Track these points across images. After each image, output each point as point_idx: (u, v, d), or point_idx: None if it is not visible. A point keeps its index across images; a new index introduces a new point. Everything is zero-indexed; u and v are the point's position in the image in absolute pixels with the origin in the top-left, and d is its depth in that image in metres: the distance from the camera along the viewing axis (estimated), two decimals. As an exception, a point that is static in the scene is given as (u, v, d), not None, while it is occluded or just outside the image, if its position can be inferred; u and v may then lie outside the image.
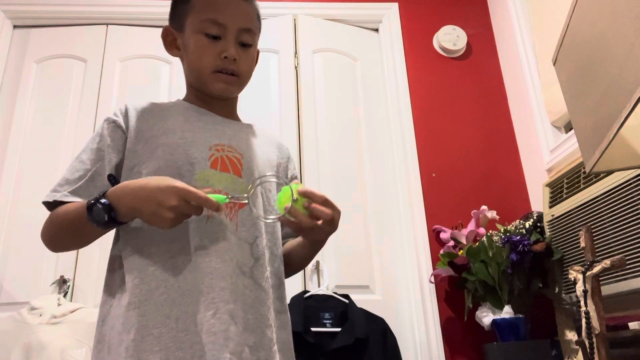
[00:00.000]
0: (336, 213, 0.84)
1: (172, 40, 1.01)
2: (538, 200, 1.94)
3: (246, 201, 0.85)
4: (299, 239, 0.99)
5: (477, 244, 1.71)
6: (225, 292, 0.81)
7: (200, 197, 0.77)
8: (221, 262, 0.83)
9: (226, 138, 0.95)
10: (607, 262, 1.05)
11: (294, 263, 1.01)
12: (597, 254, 1.35)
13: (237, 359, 0.79)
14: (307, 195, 0.81)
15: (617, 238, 1.34)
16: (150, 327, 0.78)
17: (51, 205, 0.88)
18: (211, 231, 0.85)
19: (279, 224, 0.97)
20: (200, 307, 0.80)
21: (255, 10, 1.00)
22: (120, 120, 0.93)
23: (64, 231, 0.87)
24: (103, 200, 0.79)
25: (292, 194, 0.80)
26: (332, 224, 0.84)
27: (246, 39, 0.96)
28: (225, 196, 0.81)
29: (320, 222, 0.82)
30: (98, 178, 0.89)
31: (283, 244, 1.01)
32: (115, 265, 0.90)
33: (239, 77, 0.96)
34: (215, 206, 0.78)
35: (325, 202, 0.82)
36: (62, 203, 0.87)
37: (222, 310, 0.80)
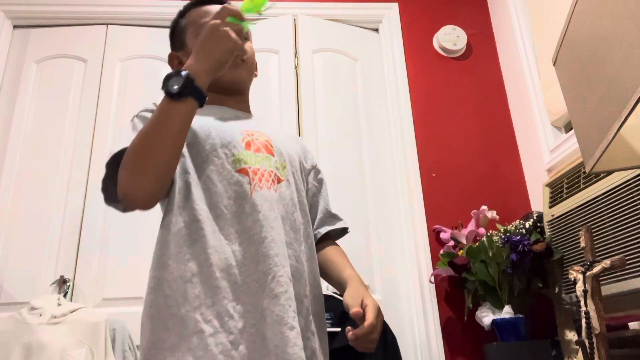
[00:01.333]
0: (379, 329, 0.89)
1: (178, 64, 1.09)
2: (538, 200, 1.94)
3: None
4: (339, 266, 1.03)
5: (477, 244, 1.71)
6: (279, 258, 0.86)
7: (224, 9, 0.88)
8: (271, 231, 0.87)
9: (252, 125, 1.01)
10: (607, 262, 1.05)
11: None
12: (597, 254, 1.35)
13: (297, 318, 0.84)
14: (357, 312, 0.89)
15: (617, 238, 1.34)
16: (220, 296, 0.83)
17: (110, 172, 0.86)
18: (258, 204, 0.89)
19: (308, 208, 1.02)
20: (262, 275, 0.85)
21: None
22: None
23: (150, 146, 0.81)
24: (178, 71, 0.82)
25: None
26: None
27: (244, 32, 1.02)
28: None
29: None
30: None
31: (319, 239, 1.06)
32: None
33: (245, 61, 1.03)
34: (237, 12, 0.87)
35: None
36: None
37: (280, 273, 0.85)
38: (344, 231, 1.13)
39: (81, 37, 2.20)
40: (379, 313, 0.88)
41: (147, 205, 0.84)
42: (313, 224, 1.07)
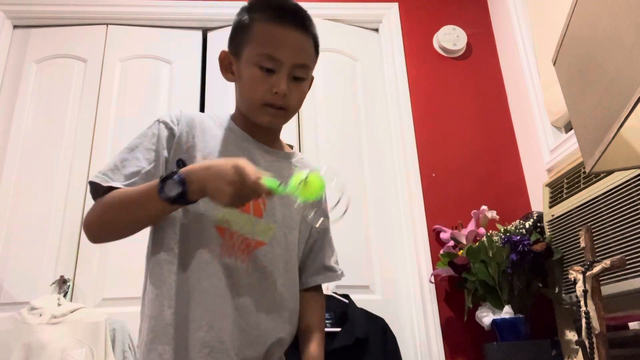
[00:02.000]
0: None
1: (228, 64, 1.00)
2: (538, 200, 1.94)
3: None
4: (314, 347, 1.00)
5: (477, 244, 1.71)
6: (223, 332, 0.85)
7: (251, 179, 0.78)
8: (220, 302, 0.86)
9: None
10: (607, 262, 1.05)
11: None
12: (597, 254, 1.35)
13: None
14: None
15: (617, 238, 1.34)
16: (156, 343, 0.85)
17: (96, 191, 0.88)
18: (217, 270, 0.88)
19: (295, 261, 0.99)
20: (197, 342, 0.84)
21: (313, 41, 1.01)
22: (176, 129, 0.95)
23: (124, 212, 0.85)
24: (178, 174, 0.80)
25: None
26: None
27: (299, 73, 0.96)
28: (278, 182, 0.81)
29: None
30: (152, 179, 0.88)
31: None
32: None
33: (287, 110, 0.96)
34: (263, 191, 0.79)
35: None
36: (111, 189, 0.87)
37: (216, 349, 0.84)
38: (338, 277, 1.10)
39: (81, 37, 2.20)
40: None
41: (95, 242, 0.91)
42: (304, 269, 1.05)
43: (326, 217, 1.06)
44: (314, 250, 1.06)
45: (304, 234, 1.03)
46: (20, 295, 1.77)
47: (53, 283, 1.80)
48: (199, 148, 0.94)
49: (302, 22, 0.96)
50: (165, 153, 0.92)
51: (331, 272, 1.07)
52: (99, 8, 2.23)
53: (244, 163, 0.79)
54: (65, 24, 2.23)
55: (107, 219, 0.87)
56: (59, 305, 1.63)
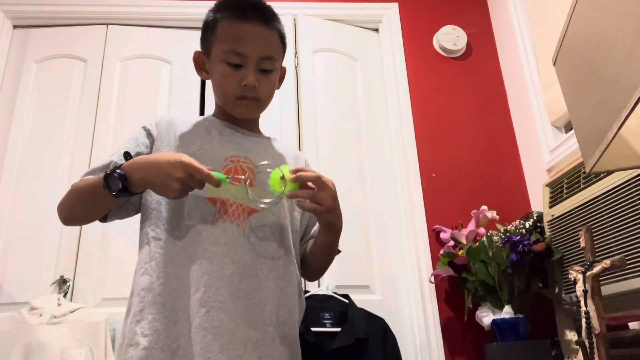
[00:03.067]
0: (329, 189, 0.90)
1: (201, 64, 1.08)
2: (538, 200, 1.94)
3: (245, 186, 0.91)
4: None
5: (477, 244, 1.71)
6: (220, 291, 0.87)
7: (203, 173, 0.84)
8: (219, 265, 0.88)
9: (243, 150, 1.02)
10: (607, 262, 1.05)
11: (316, 257, 1.04)
12: (597, 254, 1.35)
13: (227, 355, 0.83)
14: (299, 177, 0.87)
15: (617, 238, 1.34)
16: (145, 312, 0.86)
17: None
18: (217, 236, 0.91)
19: (288, 228, 1.00)
20: (194, 303, 0.86)
21: (278, 34, 1.04)
22: (153, 129, 1.03)
23: (81, 200, 0.95)
24: (119, 171, 0.86)
25: (283, 175, 0.87)
26: (328, 199, 0.90)
27: (266, 65, 1.00)
28: (226, 176, 0.87)
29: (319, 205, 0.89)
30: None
31: (304, 246, 1.06)
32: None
33: (259, 101, 1.02)
34: (215, 182, 0.85)
35: (318, 179, 0.89)
36: None
37: (215, 308, 0.85)
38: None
39: (81, 37, 2.20)
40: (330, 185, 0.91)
41: (66, 224, 1.03)
42: (306, 237, 1.07)
43: None
44: (311, 220, 1.09)
45: (293, 204, 1.04)
46: (20, 295, 1.77)
47: (53, 283, 1.80)
48: (181, 138, 1.00)
49: (264, 17, 1.00)
50: (141, 149, 1.00)
51: None
52: (99, 8, 2.23)
53: (188, 159, 0.84)
54: (65, 24, 2.23)
55: (70, 205, 0.96)
56: (59, 305, 1.63)
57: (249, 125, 1.08)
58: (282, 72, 1.10)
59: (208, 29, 1.03)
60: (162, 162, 0.85)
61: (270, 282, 0.92)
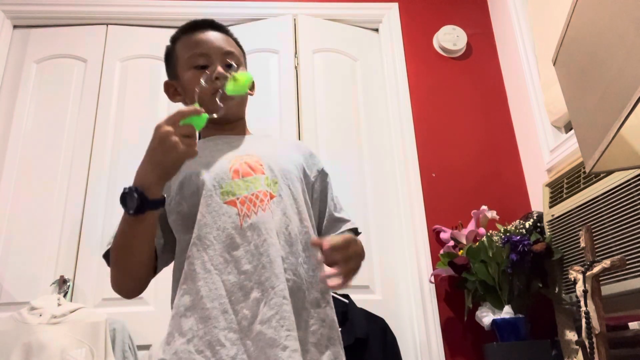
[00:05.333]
0: (351, 254, 0.90)
1: (173, 91, 1.09)
2: (538, 200, 1.94)
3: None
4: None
5: (477, 244, 1.71)
6: (270, 281, 0.87)
7: (178, 113, 0.83)
8: (263, 257, 0.88)
9: (243, 149, 1.02)
10: (607, 262, 1.05)
11: None
12: (597, 254, 1.35)
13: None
14: (326, 248, 0.86)
15: (617, 238, 1.34)
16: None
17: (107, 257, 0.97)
18: (247, 235, 0.90)
19: (309, 221, 1.01)
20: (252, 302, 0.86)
21: (233, 38, 1.11)
22: None
23: (121, 253, 0.92)
24: (128, 186, 0.83)
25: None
26: (350, 263, 0.90)
27: (231, 59, 1.04)
28: (195, 102, 0.87)
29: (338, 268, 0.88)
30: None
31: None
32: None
33: (234, 98, 1.02)
34: (192, 109, 0.84)
35: (340, 247, 0.87)
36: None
37: (270, 296, 0.86)
38: (355, 231, 1.11)
39: (81, 37, 2.20)
40: (350, 240, 0.90)
41: (133, 297, 0.98)
42: (321, 230, 1.08)
43: (325, 174, 1.12)
44: (321, 208, 1.09)
45: (307, 189, 1.05)
46: (20, 295, 1.77)
47: (53, 283, 1.80)
48: (184, 169, 0.97)
49: (216, 26, 1.08)
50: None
51: (341, 222, 1.09)
52: (99, 8, 2.23)
53: (161, 120, 0.83)
54: (65, 24, 2.23)
55: (118, 267, 0.94)
56: (59, 305, 1.63)
57: (238, 129, 1.09)
58: (253, 84, 1.13)
59: (170, 54, 1.09)
60: (149, 146, 0.84)
61: (300, 267, 0.93)
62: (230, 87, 0.97)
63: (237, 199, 0.92)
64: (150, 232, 0.90)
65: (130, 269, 0.93)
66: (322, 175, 1.12)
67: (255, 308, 0.85)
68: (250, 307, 0.86)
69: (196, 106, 0.85)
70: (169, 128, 0.81)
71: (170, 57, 1.09)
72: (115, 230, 0.91)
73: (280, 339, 0.82)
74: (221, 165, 0.97)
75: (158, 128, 0.81)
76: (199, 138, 1.08)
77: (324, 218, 1.09)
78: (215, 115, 0.90)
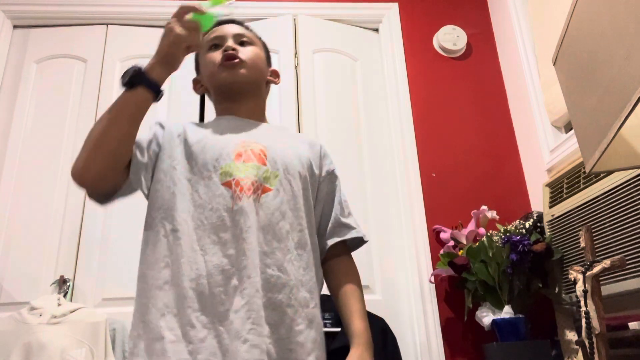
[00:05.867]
0: None
1: (199, 87, 1.16)
2: (538, 200, 1.94)
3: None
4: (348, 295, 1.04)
5: (477, 244, 1.71)
6: (247, 270, 0.87)
7: (180, 7, 0.92)
8: (242, 242, 0.88)
9: (253, 136, 1.02)
10: (607, 262, 1.05)
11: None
12: (597, 254, 1.35)
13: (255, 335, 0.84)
14: None
15: (617, 238, 1.34)
16: (171, 307, 0.86)
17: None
18: (236, 218, 0.90)
19: (302, 207, 1.00)
20: (214, 290, 0.86)
21: (253, 33, 1.16)
22: (163, 123, 1.05)
23: (102, 127, 0.91)
24: (133, 65, 0.90)
25: None
26: None
27: (243, 39, 1.10)
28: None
29: None
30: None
31: (326, 248, 1.06)
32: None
33: (243, 61, 1.05)
34: (195, 4, 0.91)
35: None
36: None
37: (244, 285, 0.86)
38: (360, 241, 1.10)
39: (81, 37, 2.20)
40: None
41: (93, 186, 0.92)
42: (322, 235, 1.06)
43: (334, 177, 1.12)
44: (327, 213, 1.08)
45: (311, 188, 1.05)
46: (20, 295, 1.77)
47: (53, 283, 1.80)
48: (190, 131, 1.01)
49: (236, 22, 1.14)
50: (157, 129, 1.02)
51: (347, 228, 1.08)
52: (99, 8, 2.23)
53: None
54: (65, 24, 2.23)
55: (91, 142, 0.90)
56: (59, 305, 1.63)
57: (255, 114, 1.10)
58: (275, 72, 1.19)
59: (197, 55, 1.16)
60: (160, 39, 0.92)
61: (287, 264, 0.92)
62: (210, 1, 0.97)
63: (233, 180, 0.93)
64: (137, 115, 0.92)
65: (104, 147, 0.89)
66: (332, 176, 1.11)
67: (232, 295, 0.85)
68: (229, 293, 0.85)
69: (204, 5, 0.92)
70: (173, 21, 0.91)
71: (196, 57, 1.16)
72: None
73: (243, 331, 0.82)
74: (226, 146, 0.98)
75: (166, 24, 0.92)
76: (216, 115, 1.12)
77: (328, 221, 1.07)
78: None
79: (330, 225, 1.07)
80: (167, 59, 0.91)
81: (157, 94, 0.91)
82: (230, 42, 1.07)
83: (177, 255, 0.88)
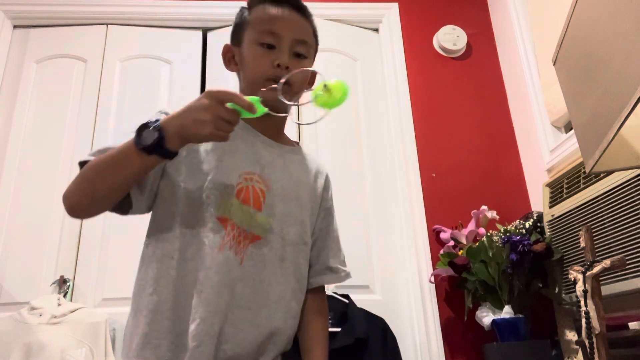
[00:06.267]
0: None
1: (231, 57, 1.03)
2: (538, 200, 1.94)
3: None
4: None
5: (477, 244, 1.71)
6: (214, 326, 0.84)
7: (234, 95, 0.78)
8: (215, 295, 0.85)
9: (259, 166, 0.96)
10: (607, 262, 1.04)
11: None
12: (597, 254, 1.35)
13: None
14: None
15: (617, 238, 1.34)
16: (153, 336, 0.85)
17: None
18: (220, 263, 0.87)
19: (293, 259, 0.97)
20: (188, 329, 0.84)
21: (312, 26, 1.03)
22: None
23: (99, 173, 0.84)
24: (155, 121, 0.78)
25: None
26: None
27: (300, 50, 0.98)
28: (258, 97, 0.81)
29: None
30: None
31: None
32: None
33: (291, 86, 0.94)
34: (246, 103, 0.78)
35: None
36: None
37: (202, 339, 0.83)
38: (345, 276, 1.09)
39: (81, 37, 2.20)
40: None
41: (73, 215, 0.90)
42: (310, 269, 1.03)
43: (330, 213, 1.07)
44: (317, 250, 1.05)
45: (305, 228, 1.01)
46: (20, 295, 1.77)
47: (53, 283, 1.80)
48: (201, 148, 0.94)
49: (299, 6, 1.00)
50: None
51: (333, 274, 1.05)
52: (99, 8, 2.23)
53: (215, 88, 0.78)
54: (65, 24, 2.23)
55: (85, 184, 0.85)
56: (59, 305, 1.63)
57: (274, 132, 1.03)
58: (314, 76, 1.06)
59: (241, 20, 1.01)
60: (192, 102, 0.79)
61: (259, 318, 0.89)
62: (321, 100, 0.85)
63: (229, 221, 0.89)
64: (139, 175, 0.84)
65: (95, 193, 0.84)
66: (326, 214, 1.08)
67: (185, 343, 0.84)
68: (183, 337, 0.84)
69: (254, 102, 0.79)
70: (214, 103, 0.77)
71: (240, 21, 1.01)
72: (105, 147, 0.87)
73: None
74: (230, 175, 0.92)
75: (207, 94, 0.77)
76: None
77: (317, 260, 1.05)
78: (271, 113, 0.82)
79: (317, 266, 1.04)
80: (188, 137, 0.80)
81: (170, 158, 0.83)
82: (285, 54, 0.95)
83: (166, 283, 0.87)
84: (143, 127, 0.78)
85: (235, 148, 0.95)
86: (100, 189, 0.84)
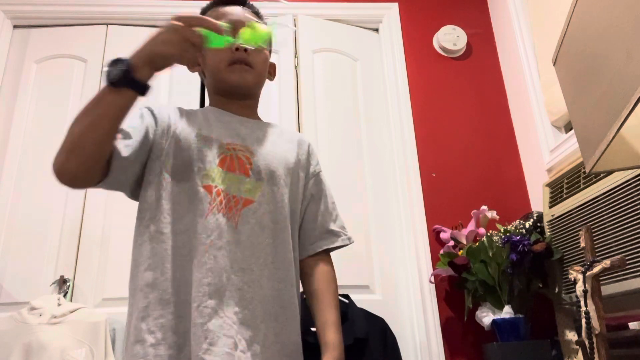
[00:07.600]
0: None
1: (196, 64, 1.09)
2: (538, 200, 1.94)
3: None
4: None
5: (477, 244, 1.71)
6: (210, 287, 0.86)
7: (200, 17, 0.84)
8: (211, 259, 0.87)
9: (240, 137, 1.00)
10: (607, 262, 1.05)
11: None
12: (597, 254, 1.35)
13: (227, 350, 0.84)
14: None
15: (617, 238, 1.34)
16: (151, 309, 0.86)
17: None
18: (211, 229, 0.89)
19: (286, 220, 0.99)
20: (190, 299, 0.86)
21: (259, 16, 1.12)
22: (154, 110, 1.00)
23: (81, 123, 0.83)
24: (121, 57, 0.82)
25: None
26: None
27: None
28: (228, 24, 0.89)
29: None
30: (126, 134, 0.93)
31: (306, 256, 1.05)
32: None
33: (253, 67, 1.03)
34: (215, 25, 0.83)
35: None
36: None
37: (204, 304, 0.85)
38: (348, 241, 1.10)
39: (81, 37, 2.20)
40: None
41: (72, 185, 0.88)
42: (306, 236, 1.05)
43: (320, 179, 1.10)
44: (312, 214, 1.07)
45: (295, 193, 1.04)
46: (20, 295, 1.77)
47: (53, 283, 1.80)
48: (179, 124, 0.98)
49: (246, 5, 1.10)
50: (148, 120, 0.97)
51: (334, 236, 1.07)
52: (99, 8, 2.23)
53: (182, 12, 0.83)
54: (65, 24, 2.23)
55: (70, 137, 0.83)
56: (59, 305, 1.63)
57: (247, 110, 1.08)
58: (272, 67, 1.14)
59: None
60: (158, 29, 0.83)
61: (263, 279, 0.91)
62: (245, 36, 0.94)
63: (215, 187, 0.92)
64: (119, 115, 0.85)
65: (82, 147, 0.83)
66: (317, 179, 1.10)
67: (189, 308, 0.86)
68: (187, 304, 0.86)
69: (224, 26, 0.84)
70: (181, 24, 0.81)
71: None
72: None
73: (199, 350, 0.83)
74: (212, 147, 0.96)
75: (177, 17, 0.82)
76: (208, 104, 1.10)
77: (313, 222, 1.07)
78: (236, 43, 0.90)
79: (317, 231, 1.06)
80: (156, 61, 0.84)
81: (143, 93, 0.85)
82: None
83: (161, 259, 0.88)
84: (111, 64, 0.82)
85: (212, 124, 1.00)
86: (85, 139, 0.82)
